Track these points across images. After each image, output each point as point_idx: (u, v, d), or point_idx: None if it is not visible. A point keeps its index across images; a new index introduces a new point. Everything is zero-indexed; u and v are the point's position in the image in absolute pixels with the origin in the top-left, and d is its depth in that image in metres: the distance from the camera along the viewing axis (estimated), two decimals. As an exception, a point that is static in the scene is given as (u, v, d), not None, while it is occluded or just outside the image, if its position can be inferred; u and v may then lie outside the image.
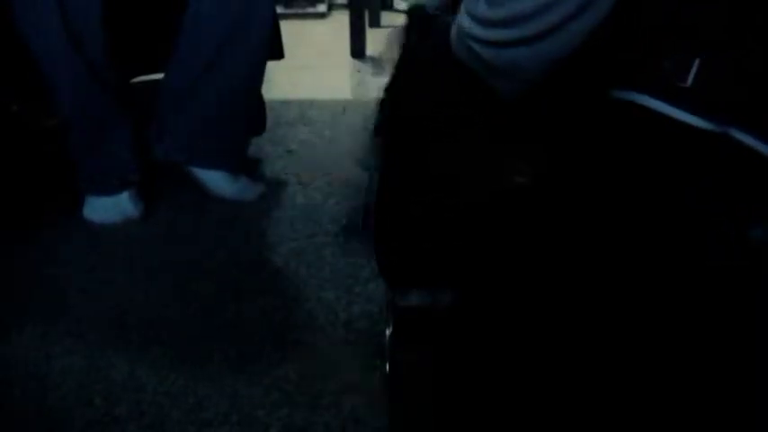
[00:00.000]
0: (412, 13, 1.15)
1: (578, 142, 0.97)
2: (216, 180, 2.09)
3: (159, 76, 2.08)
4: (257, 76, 2.07)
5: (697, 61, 0.86)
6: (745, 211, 0.89)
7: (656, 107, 0.89)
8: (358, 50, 3.05)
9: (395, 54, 1.16)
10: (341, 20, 3.30)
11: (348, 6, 3.19)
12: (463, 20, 0.98)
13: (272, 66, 2.10)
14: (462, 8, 0.99)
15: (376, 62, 3.01)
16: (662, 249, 0.91)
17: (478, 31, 0.96)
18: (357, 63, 3.03)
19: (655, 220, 0.91)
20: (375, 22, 3.31)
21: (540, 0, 0.89)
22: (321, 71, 2.94)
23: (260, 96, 2.19)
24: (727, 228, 0.89)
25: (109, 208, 2.01)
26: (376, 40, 3.14)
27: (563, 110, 0.98)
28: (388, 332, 1.28)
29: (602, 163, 0.94)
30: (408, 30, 1.18)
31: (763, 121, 0.86)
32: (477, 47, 0.97)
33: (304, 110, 2.55)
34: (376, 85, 2.74)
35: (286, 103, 2.58)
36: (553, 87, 0.97)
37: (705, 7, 0.87)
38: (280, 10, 2.78)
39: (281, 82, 2.66)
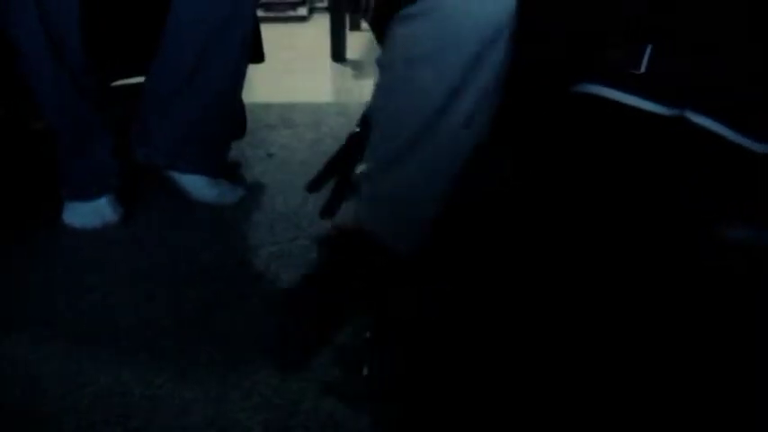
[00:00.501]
0: None
1: (544, 141, 0.98)
2: (196, 184, 2.09)
3: (141, 79, 2.09)
4: (238, 79, 2.07)
5: (649, 48, 0.88)
6: (718, 207, 0.90)
7: (613, 96, 0.90)
8: (339, 54, 3.07)
9: None
10: (321, 23, 3.30)
11: (329, 10, 3.20)
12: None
13: (252, 69, 2.11)
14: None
15: (357, 65, 3.03)
16: (634, 240, 0.92)
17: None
18: (338, 66, 3.03)
19: (629, 211, 0.92)
20: (356, 26, 3.33)
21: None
22: (302, 74, 2.94)
23: (240, 100, 2.20)
24: (696, 222, 0.91)
25: (89, 213, 2.01)
26: (357, 44, 3.15)
27: (526, 110, 0.99)
28: (367, 336, 1.30)
29: (570, 159, 0.95)
30: None
31: (716, 101, 0.87)
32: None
33: (285, 113, 2.56)
34: (357, 88, 2.76)
35: (267, 107, 2.58)
36: (515, 89, 0.98)
37: None
38: (260, 13, 2.78)
39: (262, 85, 2.67)
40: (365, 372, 1.35)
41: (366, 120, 1.16)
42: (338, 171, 1.21)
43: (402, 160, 0.93)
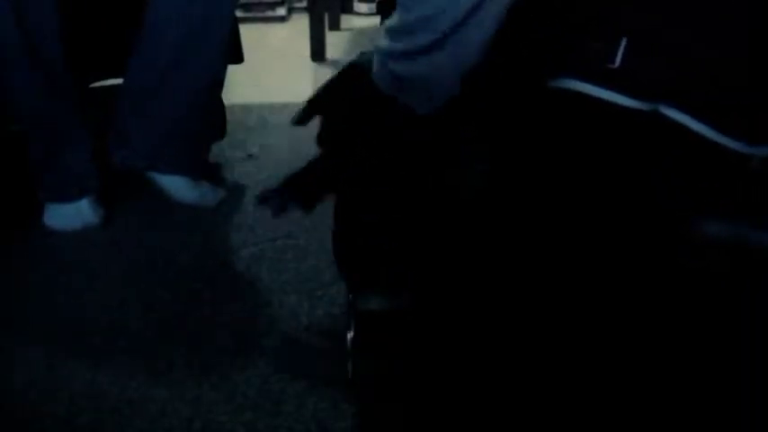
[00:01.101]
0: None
1: (521, 138, 0.98)
2: (176, 185, 2.08)
3: (119, 80, 2.07)
4: (218, 80, 2.07)
5: (624, 42, 0.87)
6: (694, 204, 0.90)
7: (588, 91, 0.90)
8: (318, 54, 3.06)
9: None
10: (301, 23, 3.30)
11: (308, 10, 3.19)
12: (380, 40, 1.01)
13: (231, 70, 2.10)
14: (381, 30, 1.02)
15: (337, 65, 3.02)
16: (613, 240, 0.92)
17: (389, 43, 0.98)
18: (317, 66, 3.03)
19: (605, 209, 0.92)
20: (335, 26, 3.32)
21: (439, 4, 0.91)
22: (281, 75, 2.93)
23: (220, 101, 2.19)
24: (673, 221, 0.90)
25: (69, 215, 2.00)
26: (336, 44, 3.15)
27: (501, 105, 0.99)
28: (349, 336, 1.29)
29: (546, 156, 0.94)
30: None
31: (690, 96, 0.87)
32: (390, 63, 0.99)
33: (264, 114, 2.55)
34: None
35: (246, 108, 2.57)
36: (489, 83, 0.98)
37: None
38: (239, 14, 2.77)
39: (241, 86, 2.66)
40: (348, 372, 1.34)
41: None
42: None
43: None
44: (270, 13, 3.54)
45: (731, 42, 0.88)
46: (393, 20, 0.97)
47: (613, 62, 0.88)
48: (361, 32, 3.34)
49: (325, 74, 2.95)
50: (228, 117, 2.27)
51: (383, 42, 1.00)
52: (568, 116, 0.92)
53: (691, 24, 0.87)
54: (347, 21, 3.43)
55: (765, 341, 0.89)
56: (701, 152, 0.89)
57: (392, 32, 0.98)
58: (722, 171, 0.90)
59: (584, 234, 0.93)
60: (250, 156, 2.31)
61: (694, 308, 0.91)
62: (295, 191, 1.23)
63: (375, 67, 1.02)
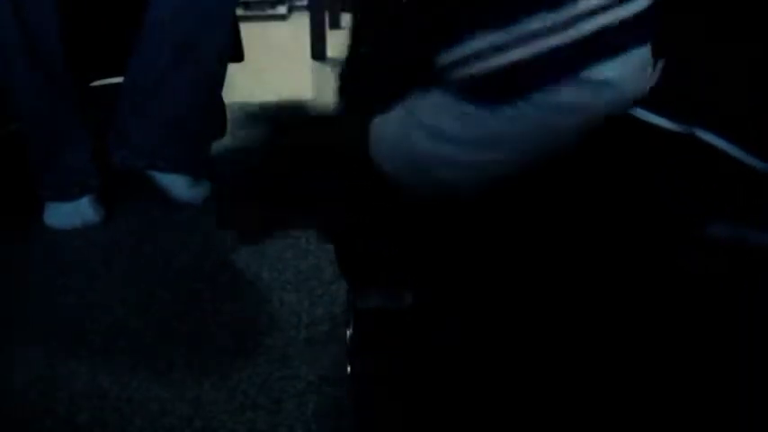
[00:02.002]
0: None
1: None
2: (177, 184, 2.08)
3: (120, 79, 2.07)
4: (218, 78, 2.07)
5: (661, 63, 0.87)
6: (705, 209, 0.90)
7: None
8: (319, 52, 3.06)
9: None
10: (301, 22, 3.29)
11: (308, 8, 3.19)
12: (418, 137, 0.88)
13: (232, 69, 2.10)
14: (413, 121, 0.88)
15: (337, 64, 3.02)
16: (630, 249, 0.92)
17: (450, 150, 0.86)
18: (318, 65, 3.03)
19: (625, 221, 0.92)
20: (336, 24, 3.32)
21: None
22: (282, 73, 2.93)
23: (221, 99, 2.18)
24: (689, 227, 0.90)
25: (69, 214, 2.00)
26: (336, 42, 3.14)
27: None
28: (348, 334, 1.29)
29: (570, 165, 0.94)
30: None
31: (727, 121, 0.87)
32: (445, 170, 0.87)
33: (265, 112, 2.55)
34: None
35: (247, 106, 2.57)
36: None
37: (666, 11, 0.87)
38: (239, 12, 2.78)
39: (242, 85, 2.66)
40: (348, 370, 1.34)
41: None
42: None
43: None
44: (270, 12, 3.54)
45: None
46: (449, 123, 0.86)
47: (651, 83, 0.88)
48: (362, 31, 3.34)
49: (326, 72, 2.95)
50: (229, 116, 2.26)
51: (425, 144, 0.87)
52: (602, 131, 0.92)
53: (724, 46, 0.87)
54: (348, 19, 3.43)
55: (765, 341, 0.89)
56: (727, 170, 0.88)
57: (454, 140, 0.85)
58: (726, 174, 0.90)
59: (583, 234, 0.93)
60: (250, 154, 2.31)
61: (694, 308, 0.90)
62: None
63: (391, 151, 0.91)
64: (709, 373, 0.90)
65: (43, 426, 1.42)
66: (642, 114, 0.88)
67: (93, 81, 2.21)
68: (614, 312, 0.93)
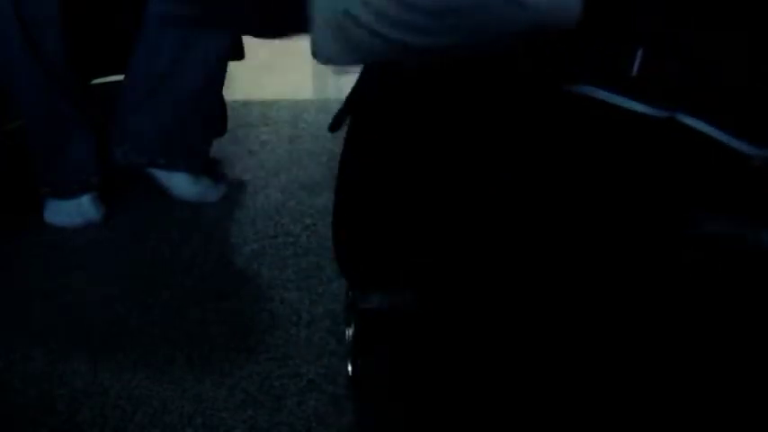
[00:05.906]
0: None
1: (536, 140, 0.98)
2: (177, 182, 2.08)
3: (121, 77, 2.07)
4: (218, 76, 2.06)
5: (640, 51, 0.88)
6: (690, 193, 0.91)
7: (605, 98, 0.91)
8: (319, 50, 3.05)
9: None
10: (302, 19, 3.29)
11: (308, 6, 3.19)
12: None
13: (232, 66, 2.09)
14: None
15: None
16: (628, 243, 0.92)
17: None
18: (317, 63, 3.02)
19: (619, 213, 0.92)
20: (336, 22, 3.31)
21: None
22: (282, 71, 2.93)
23: (221, 97, 2.18)
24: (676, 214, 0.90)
25: (70, 211, 2.00)
26: (337, 40, 3.14)
27: (519, 109, 0.99)
28: (349, 333, 1.29)
29: (561, 158, 0.95)
30: None
31: (707, 104, 0.88)
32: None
33: (265, 110, 2.55)
34: (337, 85, 2.74)
35: (247, 104, 2.57)
36: (507, 87, 0.98)
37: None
38: (240, 10, 2.77)
39: (242, 83, 2.66)
40: (349, 369, 1.34)
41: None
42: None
43: None
44: (271, 9, 3.54)
45: (746, 47, 0.88)
46: None
47: (631, 70, 0.89)
48: (362, 29, 3.34)
49: (326, 70, 2.95)
50: (229, 113, 2.26)
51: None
52: (587, 121, 0.93)
53: (705, 31, 0.88)
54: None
55: (765, 341, 0.89)
56: (707, 153, 0.89)
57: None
58: (723, 169, 0.90)
59: (583, 234, 0.94)
60: (251, 152, 2.31)
61: (694, 308, 0.91)
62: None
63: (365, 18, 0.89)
64: (709, 372, 0.91)
65: (44, 423, 1.42)
66: (623, 102, 0.89)
67: (94, 79, 2.20)
68: (614, 312, 0.93)
